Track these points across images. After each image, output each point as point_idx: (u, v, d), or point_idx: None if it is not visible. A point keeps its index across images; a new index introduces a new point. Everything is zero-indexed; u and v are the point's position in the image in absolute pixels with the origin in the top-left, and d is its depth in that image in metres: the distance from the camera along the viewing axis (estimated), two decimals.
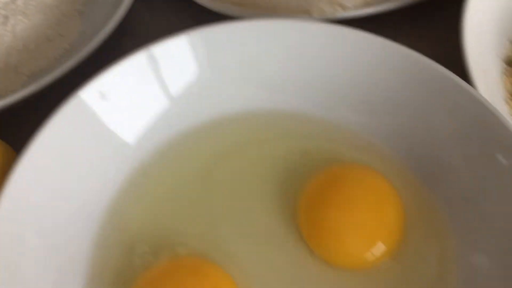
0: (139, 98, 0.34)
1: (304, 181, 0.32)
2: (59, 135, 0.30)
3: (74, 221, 0.30)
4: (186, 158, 0.34)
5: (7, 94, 0.36)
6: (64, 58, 0.41)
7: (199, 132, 0.35)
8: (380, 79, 0.33)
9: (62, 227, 0.29)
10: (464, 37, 0.36)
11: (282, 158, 0.34)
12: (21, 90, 0.36)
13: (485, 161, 0.29)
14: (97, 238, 0.30)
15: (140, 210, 0.32)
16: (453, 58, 0.34)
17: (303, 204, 0.31)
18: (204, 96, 0.35)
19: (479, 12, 0.38)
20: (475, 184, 0.30)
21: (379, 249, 0.29)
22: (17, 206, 0.28)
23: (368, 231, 0.29)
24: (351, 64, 0.34)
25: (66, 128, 0.31)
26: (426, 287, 0.29)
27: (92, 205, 0.31)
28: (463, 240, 0.29)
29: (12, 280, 0.26)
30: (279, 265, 0.30)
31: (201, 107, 0.35)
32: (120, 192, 0.32)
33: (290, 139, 0.35)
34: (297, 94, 0.35)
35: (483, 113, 0.29)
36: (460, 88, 0.30)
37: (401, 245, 0.30)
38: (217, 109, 0.35)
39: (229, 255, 0.30)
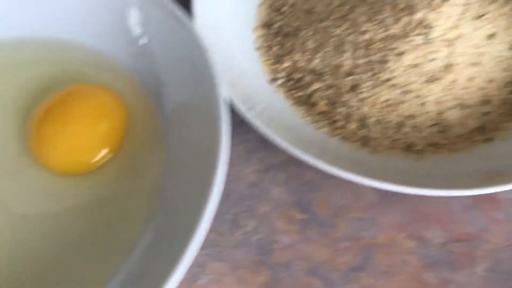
0: None
1: None
2: None
3: None
4: None
5: None
6: None
7: None
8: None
9: None
10: None
11: (27, 84, 0.34)
12: None
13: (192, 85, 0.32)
14: None
15: None
16: None
17: (32, 123, 0.33)
18: None
19: None
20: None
21: (98, 154, 0.32)
22: None
23: (86, 140, 0.32)
24: None
25: None
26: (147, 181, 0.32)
27: None
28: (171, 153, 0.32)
29: None
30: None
31: None
32: None
33: (39, 65, 0.36)
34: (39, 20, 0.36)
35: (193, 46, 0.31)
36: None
37: (122, 148, 0.33)
38: None
39: None
